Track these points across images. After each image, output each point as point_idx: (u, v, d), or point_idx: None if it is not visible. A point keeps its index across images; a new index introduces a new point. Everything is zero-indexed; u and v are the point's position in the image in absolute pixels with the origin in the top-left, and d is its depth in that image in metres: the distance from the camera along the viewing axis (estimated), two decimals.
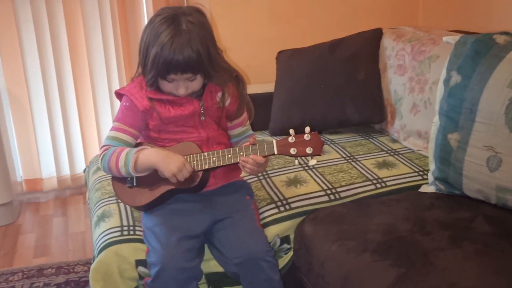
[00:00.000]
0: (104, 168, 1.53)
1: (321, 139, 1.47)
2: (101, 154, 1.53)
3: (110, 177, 1.96)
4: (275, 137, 2.35)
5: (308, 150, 1.46)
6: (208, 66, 1.48)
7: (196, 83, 1.52)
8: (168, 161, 1.46)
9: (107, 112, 2.95)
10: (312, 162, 1.48)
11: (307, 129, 1.47)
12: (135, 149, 1.50)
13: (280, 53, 2.58)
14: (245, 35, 2.83)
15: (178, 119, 1.55)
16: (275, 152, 1.47)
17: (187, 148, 1.52)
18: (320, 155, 1.48)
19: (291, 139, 1.47)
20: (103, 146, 1.55)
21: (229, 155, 1.49)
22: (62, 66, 2.80)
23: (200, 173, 1.51)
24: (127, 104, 1.55)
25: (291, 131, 1.48)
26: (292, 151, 1.46)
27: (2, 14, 2.64)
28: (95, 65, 2.85)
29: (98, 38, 2.80)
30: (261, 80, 2.71)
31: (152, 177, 1.52)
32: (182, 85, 1.49)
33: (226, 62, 1.57)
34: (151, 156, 1.48)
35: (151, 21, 1.48)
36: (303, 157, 1.49)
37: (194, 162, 1.50)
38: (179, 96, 1.51)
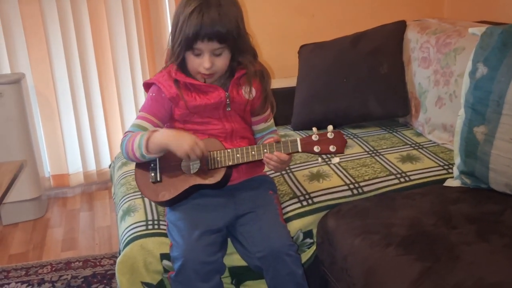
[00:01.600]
0: (123, 153, 1.56)
1: (344, 137, 1.47)
2: (122, 140, 1.56)
3: (135, 173, 1.99)
4: (298, 132, 2.35)
5: (332, 148, 1.46)
6: (235, 37, 1.48)
7: (222, 60, 1.52)
8: (180, 140, 1.45)
9: (131, 108, 2.98)
10: (335, 160, 1.48)
11: (330, 127, 1.47)
12: (148, 131, 1.51)
13: (302, 47, 2.57)
14: (267, 29, 2.82)
15: (204, 108, 1.55)
16: (299, 150, 1.48)
17: (211, 144, 1.53)
18: (343, 153, 1.48)
19: (314, 137, 1.47)
20: (126, 132, 1.57)
21: (253, 152, 1.49)
22: (87, 64, 2.84)
23: (224, 170, 1.52)
24: (153, 94, 1.57)
25: (314, 129, 1.49)
26: (316, 149, 1.47)
27: (30, 15, 2.69)
28: (119, 62, 2.89)
29: (121, 36, 2.83)
30: (283, 75, 2.71)
31: (175, 173, 1.53)
32: (207, 58, 1.49)
33: (253, 47, 1.58)
34: (162, 136, 1.48)
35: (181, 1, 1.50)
36: (326, 155, 1.50)
37: (218, 158, 1.50)
38: (205, 72, 1.51)
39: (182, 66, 1.55)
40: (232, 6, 1.49)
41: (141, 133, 1.51)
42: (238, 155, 1.50)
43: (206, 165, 1.51)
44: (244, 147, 1.50)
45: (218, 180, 1.52)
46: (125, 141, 1.54)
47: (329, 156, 1.49)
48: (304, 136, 1.50)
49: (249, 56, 1.57)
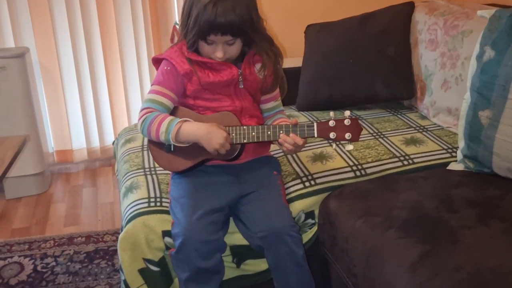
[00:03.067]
0: (143, 131, 1.53)
1: (360, 125, 1.46)
2: (142, 116, 1.52)
3: (140, 149, 2.00)
4: (302, 113, 2.34)
5: (347, 136, 1.46)
6: (249, 31, 1.48)
7: (235, 48, 1.52)
8: (211, 137, 1.46)
9: (136, 85, 2.98)
10: (349, 147, 1.47)
11: (347, 113, 1.46)
12: (179, 119, 1.50)
13: (308, 27, 2.55)
14: (275, 9, 2.80)
15: (217, 85, 1.54)
16: (315, 135, 1.47)
17: (227, 118, 1.52)
18: (358, 141, 1.47)
19: (331, 123, 1.46)
20: (144, 108, 1.54)
21: (269, 132, 1.48)
22: (92, 39, 2.83)
23: (238, 147, 1.52)
24: (168, 68, 1.55)
25: (332, 114, 1.48)
26: (332, 135, 1.46)
27: None
28: (124, 38, 2.87)
29: (127, 11, 2.81)
30: (290, 55, 2.69)
31: (190, 145, 1.53)
32: (220, 48, 1.49)
33: (266, 31, 1.57)
34: (194, 129, 1.48)
35: None
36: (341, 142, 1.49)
37: (233, 134, 1.49)
38: (217, 60, 1.51)
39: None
40: None
41: (171, 118, 1.49)
42: (253, 134, 1.49)
43: None
44: (260, 126, 1.49)
45: (232, 156, 1.52)
46: (149, 119, 1.50)
47: (342, 142, 1.48)
48: (313, 120, 1.48)
49: (265, 43, 1.55)
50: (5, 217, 2.55)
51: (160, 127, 1.49)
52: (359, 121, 1.47)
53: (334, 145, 1.50)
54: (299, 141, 1.47)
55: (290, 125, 1.48)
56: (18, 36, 2.74)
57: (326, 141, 1.94)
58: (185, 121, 1.50)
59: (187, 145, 1.52)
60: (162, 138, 1.50)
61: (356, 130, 1.46)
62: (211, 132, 1.46)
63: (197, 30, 1.46)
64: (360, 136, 1.48)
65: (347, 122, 1.46)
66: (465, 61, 1.94)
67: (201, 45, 1.52)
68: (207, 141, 1.47)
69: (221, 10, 1.42)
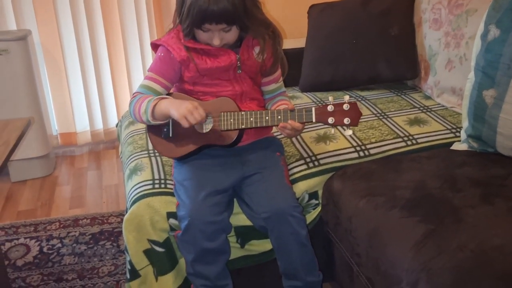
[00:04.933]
0: (131, 113, 1.56)
1: (360, 110, 1.45)
2: (130, 100, 1.55)
3: (144, 131, 2.00)
4: (306, 94, 2.33)
5: (346, 121, 1.44)
6: (243, 18, 1.47)
7: (231, 35, 1.51)
8: (180, 104, 1.45)
9: (139, 67, 2.97)
10: (348, 132, 1.47)
11: (346, 97, 1.45)
12: (156, 97, 1.50)
13: (311, 7, 2.52)
14: None
15: (215, 71, 1.54)
16: (313, 120, 1.46)
17: (225, 103, 1.51)
18: (357, 126, 1.46)
19: (330, 108, 1.45)
20: (134, 93, 1.56)
21: (267, 117, 1.48)
22: (94, 22, 2.82)
23: (236, 132, 1.52)
24: (162, 54, 1.55)
25: (331, 98, 1.46)
26: (330, 120, 1.45)
27: None
28: (126, 21, 2.86)
29: None
30: (293, 35, 2.67)
31: (188, 130, 1.52)
32: (217, 36, 1.48)
33: (263, 15, 1.55)
34: (166, 103, 1.48)
35: None
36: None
37: (231, 120, 1.49)
38: (214, 46, 1.51)
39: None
40: None
41: (149, 98, 1.50)
42: (251, 119, 1.48)
43: (219, 126, 1.51)
44: (258, 111, 1.49)
45: (230, 142, 1.52)
46: (133, 102, 1.53)
47: (342, 127, 1.48)
48: (316, 103, 1.47)
49: (261, 28, 1.54)
50: (11, 199, 2.57)
51: (140, 108, 1.50)
52: (359, 105, 1.45)
53: (333, 130, 1.50)
54: (298, 126, 1.46)
55: (288, 110, 1.47)
56: (20, 18, 2.73)
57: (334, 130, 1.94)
58: (162, 98, 1.50)
59: (165, 121, 1.52)
60: (143, 118, 1.51)
61: (355, 115, 1.44)
62: (181, 101, 1.46)
63: (191, 20, 1.45)
64: (363, 117, 1.48)
65: (346, 106, 1.44)
66: (469, 41, 1.92)
67: (198, 33, 1.50)
68: (176, 109, 1.43)
69: (213, 0, 1.40)
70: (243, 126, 1.49)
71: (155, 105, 1.48)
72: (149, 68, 1.59)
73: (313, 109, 1.46)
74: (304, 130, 1.89)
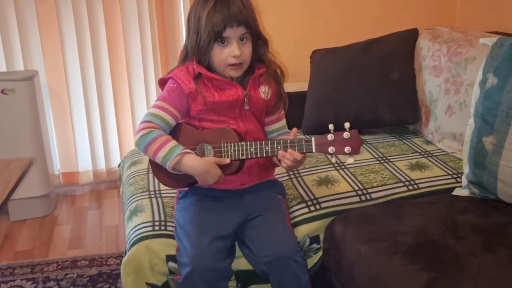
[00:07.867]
0: (140, 145, 1.51)
1: (360, 137, 1.43)
2: (141, 130, 1.50)
3: (146, 172, 2.00)
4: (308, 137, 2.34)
5: (347, 150, 1.43)
6: (254, 23, 1.52)
7: (247, 49, 1.53)
8: (207, 176, 1.48)
9: (143, 108, 3.00)
10: (350, 160, 1.44)
11: (347, 124, 1.42)
12: (181, 148, 1.48)
13: (314, 52, 2.57)
14: (281, 33, 2.82)
15: (222, 105, 1.54)
16: (313, 150, 1.45)
17: (224, 133, 1.51)
18: (358, 154, 1.45)
19: (330, 137, 1.44)
20: (144, 121, 1.52)
21: (267, 148, 1.47)
22: (100, 63, 2.86)
23: (237, 163, 1.51)
24: (174, 85, 1.56)
25: (331, 127, 1.44)
26: (330, 150, 1.44)
27: (45, 12, 2.72)
28: (132, 61, 2.91)
29: (135, 35, 2.85)
30: (295, 79, 2.70)
31: None
32: (236, 46, 1.50)
33: (265, 36, 1.59)
34: (193, 164, 1.47)
35: (197, 1, 1.52)
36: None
37: (232, 151, 1.49)
38: (235, 62, 1.51)
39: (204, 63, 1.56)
40: (251, 5, 1.53)
41: (172, 144, 1.48)
42: (252, 149, 1.48)
43: (220, 156, 1.51)
44: (258, 141, 1.48)
45: (230, 173, 1.52)
46: (149, 137, 1.49)
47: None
48: (318, 136, 1.47)
49: (265, 46, 1.58)
50: (9, 239, 2.55)
51: (159, 151, 1.48)
52: (359, 134, 1.43)
53: (334, 159, 1.48)
54: (298, 156, 1.45)
55: (288, 140, 1.47)
56: (28, 59, 2.77)
57: (331, 165, 1.95)
58: (186, 153, 1.49)
59: (181, 173, 1.52)
60: (158, 161, 1.50)
61: (356, 142, 1.42)
62: (208, 172, 1.47)
63: (211, 30, 1.47)
64: (365, 161, 1.47)
65: (346, 135, 1.42)
66: (468, 87, 1.95)
67: (215, 52, 1.51)
68: (201, 178, 1.49)
69: (232, 2, 1.47)
70: (243, 157, 1.49)
71: (179, 161, 1.47)
72: (158, 98, 1.58)
73: (313, 139, 1.45)
74: (306, 173, 1.91)
